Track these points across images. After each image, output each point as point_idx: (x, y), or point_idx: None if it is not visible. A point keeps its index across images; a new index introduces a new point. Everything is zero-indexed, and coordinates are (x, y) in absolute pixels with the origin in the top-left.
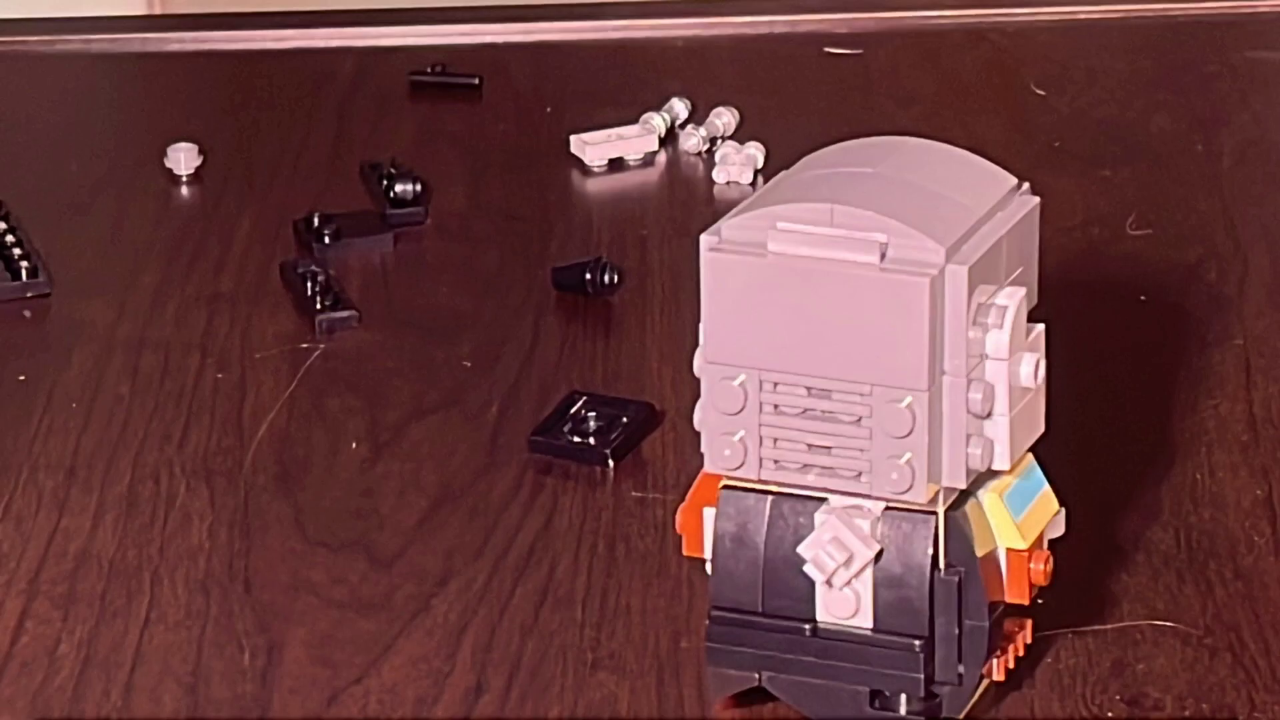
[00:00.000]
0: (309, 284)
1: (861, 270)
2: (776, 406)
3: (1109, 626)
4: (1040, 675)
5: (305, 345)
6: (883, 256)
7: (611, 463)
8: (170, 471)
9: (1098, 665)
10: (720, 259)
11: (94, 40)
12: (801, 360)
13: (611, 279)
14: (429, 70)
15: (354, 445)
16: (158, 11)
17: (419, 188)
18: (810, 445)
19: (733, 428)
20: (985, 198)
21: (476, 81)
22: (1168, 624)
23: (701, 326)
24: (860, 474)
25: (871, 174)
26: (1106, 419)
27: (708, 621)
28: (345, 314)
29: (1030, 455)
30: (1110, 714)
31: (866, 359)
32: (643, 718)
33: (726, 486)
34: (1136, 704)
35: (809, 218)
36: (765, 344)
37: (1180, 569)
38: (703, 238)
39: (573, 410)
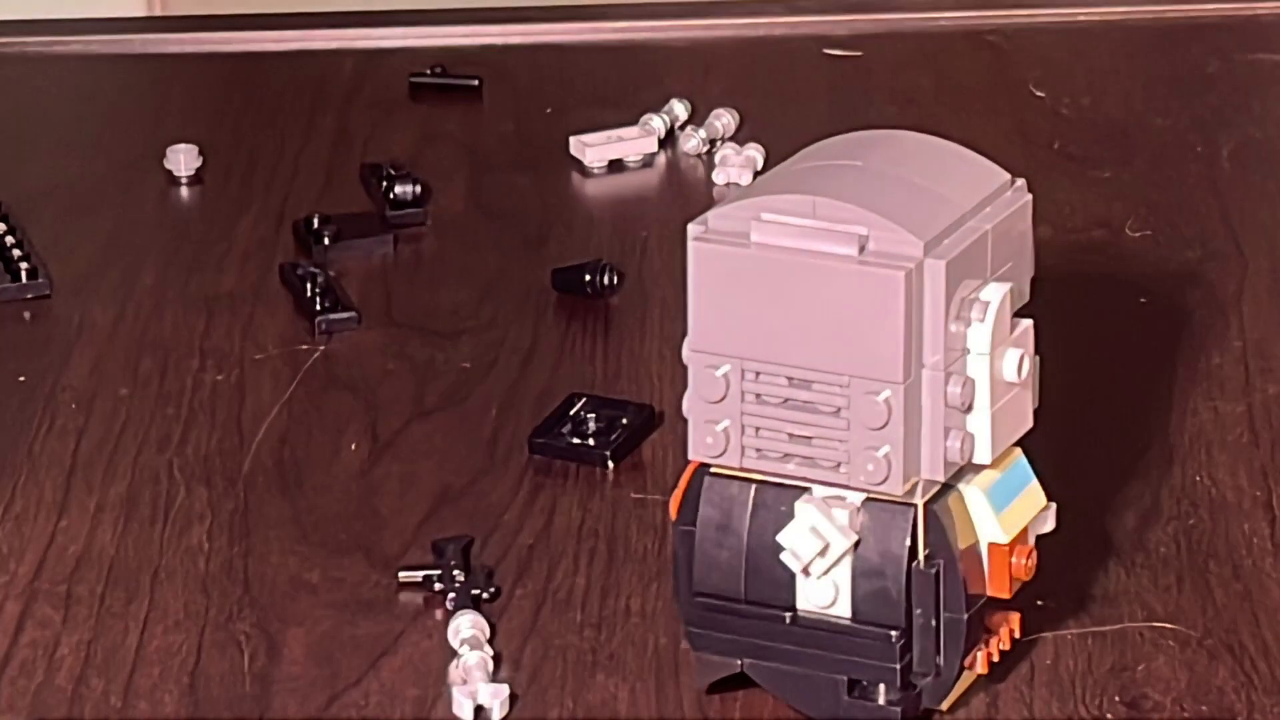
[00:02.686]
0: (309, 285)
1: (840, 262)
2: (759, 396)
3: (1108, 628)
4: (1039, 677)
5: (305, 347)
6: (862, 249)
7: (611, 464)
8: (170, 473)
9: (1097, 667)
10: (705, 248)
11: (94, 41)
12: (783, 350)
13: (612, 280)
14: (429, 71)
15: (353, 447)
16: (158, 13)
17: (419, 189)
18: (791, 435)
19: (716, 416)
20: (973, 192)
21: (476, 83)
22: (1167, 626)
23: (689, 315)
24: (839, 464)
25: (859, 167)
26: (1106, 420)
27: (689, 604)
28: (345, 315)
29: (1019, 450)
30: (1109, 716)
31: (845, 350)
32: (642, 719)
33: (711, 474)
34: (1136, 706)
35: (792, 209)
36: (748, 333)
37: (1179, 571)
38: (690, 227)
39: (572, 411)
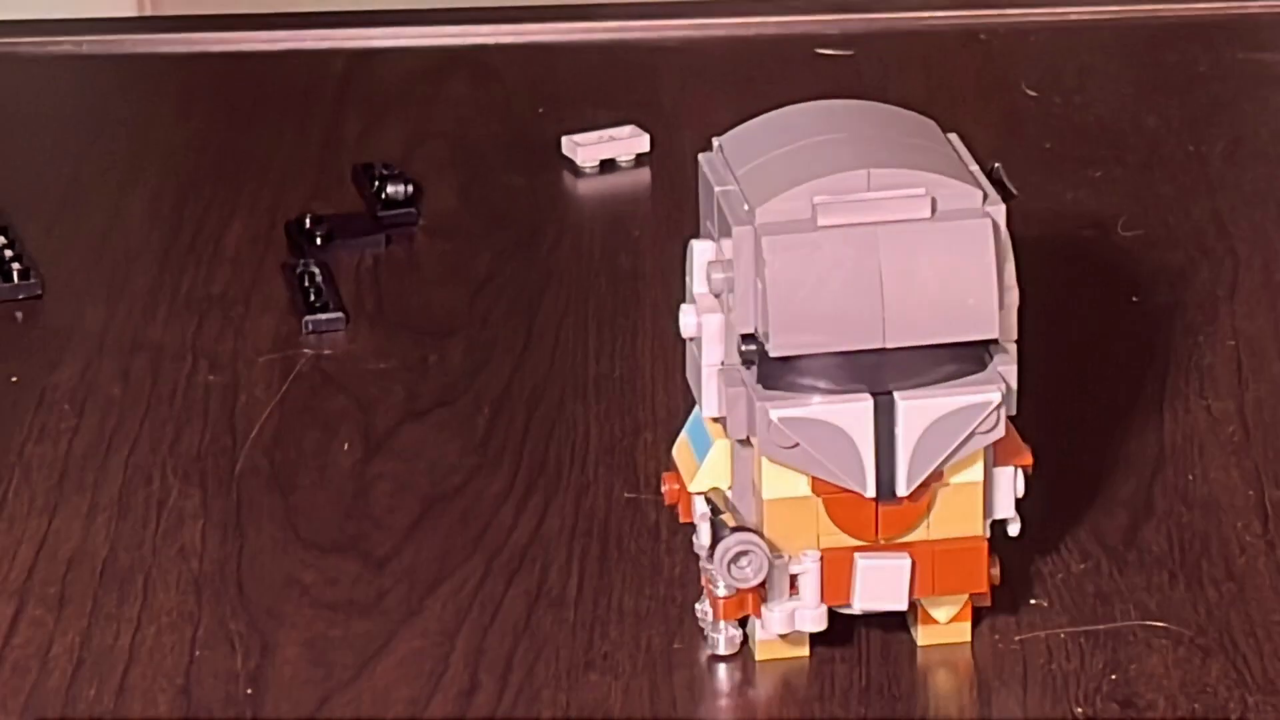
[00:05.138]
0: (302, 285)
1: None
2: None
3: (1101, 627)
4: (1032, 676)
5: (297, 347)
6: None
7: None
8: (162, 473)
9: (1090, 666)
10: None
11: (85, 41)
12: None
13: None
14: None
15: (345, 446)
16: (148, 13)
17: (410, 189)
18: None
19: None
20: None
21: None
22: (1160, 624)
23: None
24: None
25: (846, 138)
26: (1097, 419)
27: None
28: (335, 316)
29: None
30: (1103, 715)
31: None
32: (635, 718)
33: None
34: (1129, 705)
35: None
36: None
37: (1172, 570)
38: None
39: None
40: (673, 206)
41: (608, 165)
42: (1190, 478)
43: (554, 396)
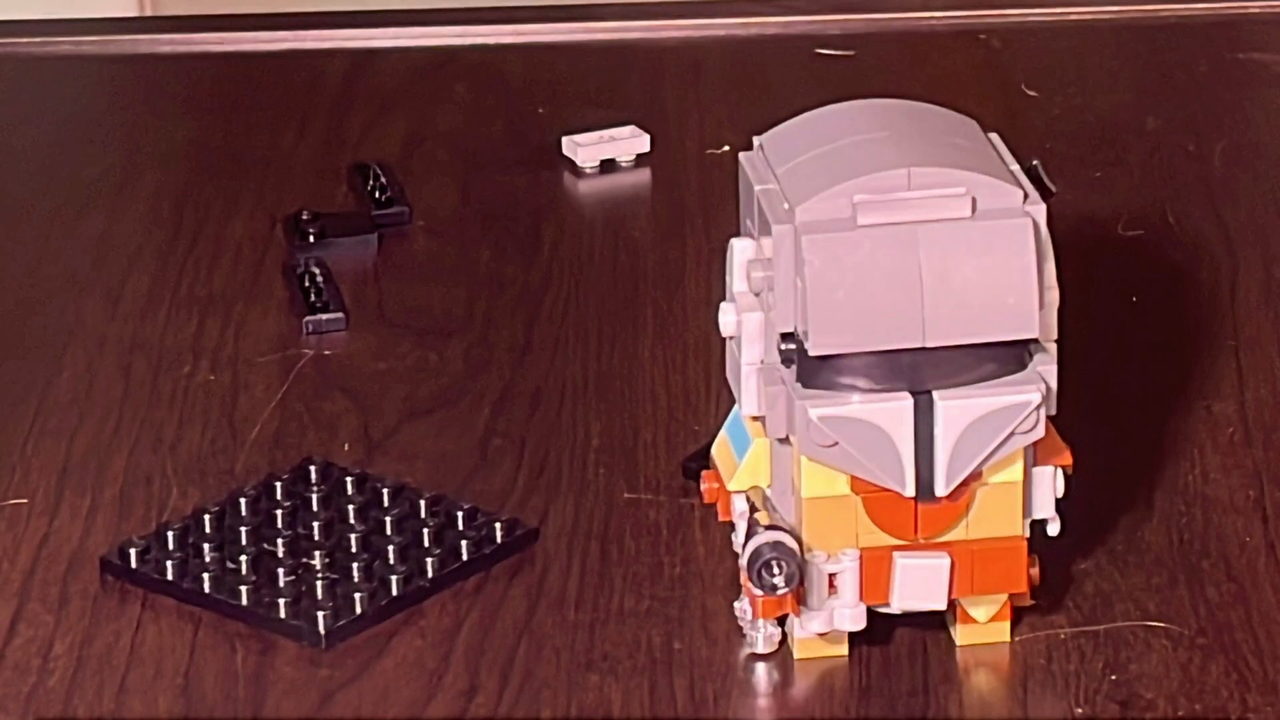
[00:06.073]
0: (302, 285)
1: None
2: None
3: (1101, 627)
4: (1032, 676)
5: (297, 347)
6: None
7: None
8: (162, 473)
9: (1090, 666)
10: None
11: (85, 42)
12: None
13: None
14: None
15: (345, 447)
16: (149, 13)
17: (403, 188)
18: None
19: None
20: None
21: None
22: (1160, 625)
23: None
24: None
25: (888, 136)
26: (1098, 420)
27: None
28: (332, 316)
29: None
30: (1103, 715)
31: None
32: (635, 718)
33: None
34: (1129, 705)
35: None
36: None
37: (1172, 570)
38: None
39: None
40: (673, 206)
41: (608, 165)
42: (1190, 478)
43: (554, 396)
